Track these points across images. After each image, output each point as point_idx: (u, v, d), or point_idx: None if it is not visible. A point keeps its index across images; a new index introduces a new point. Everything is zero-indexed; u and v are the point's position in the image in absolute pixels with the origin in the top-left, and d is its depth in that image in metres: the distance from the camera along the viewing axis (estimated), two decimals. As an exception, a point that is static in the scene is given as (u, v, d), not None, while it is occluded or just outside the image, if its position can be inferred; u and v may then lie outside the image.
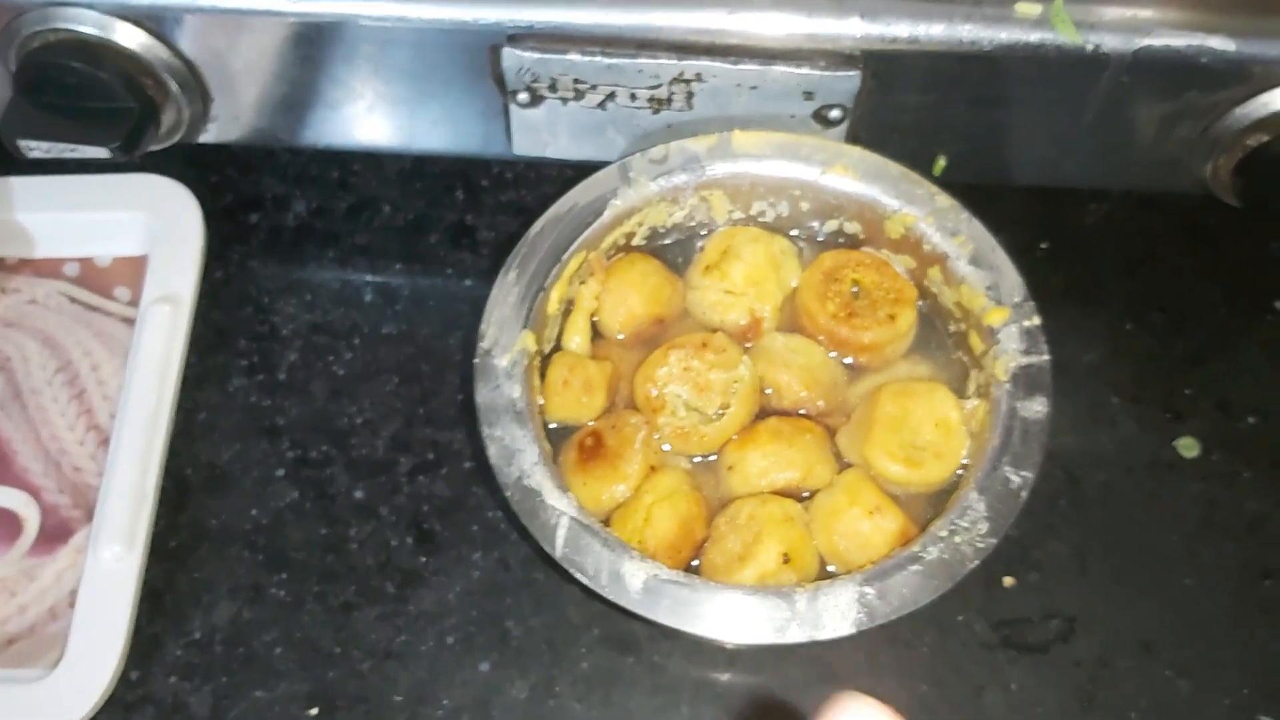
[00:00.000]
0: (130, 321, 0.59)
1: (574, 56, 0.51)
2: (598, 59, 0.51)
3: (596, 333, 0.53)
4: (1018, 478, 0.46)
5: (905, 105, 0.52)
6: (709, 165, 0.52)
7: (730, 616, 0.44)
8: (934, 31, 0.49)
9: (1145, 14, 0.48)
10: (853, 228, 0.53)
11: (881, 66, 0.50)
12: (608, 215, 0.52)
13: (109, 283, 0.60)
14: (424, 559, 0.54)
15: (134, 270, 0.60)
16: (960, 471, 0.49)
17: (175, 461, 0.56)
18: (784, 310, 0.53)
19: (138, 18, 0.51)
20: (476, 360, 0.48)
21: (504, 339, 0.49)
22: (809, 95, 0.51)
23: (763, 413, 0.51)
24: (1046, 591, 0.53)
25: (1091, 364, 0.57)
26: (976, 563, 0.44)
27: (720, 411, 0.50)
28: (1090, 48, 0.48)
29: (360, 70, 0.53)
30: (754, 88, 0.51)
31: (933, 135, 0.53)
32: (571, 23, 0.50)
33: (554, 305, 0.51)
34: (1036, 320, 0.48)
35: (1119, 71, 0.49)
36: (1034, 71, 0.50)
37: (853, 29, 0.49)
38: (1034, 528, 0.54)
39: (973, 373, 0.50)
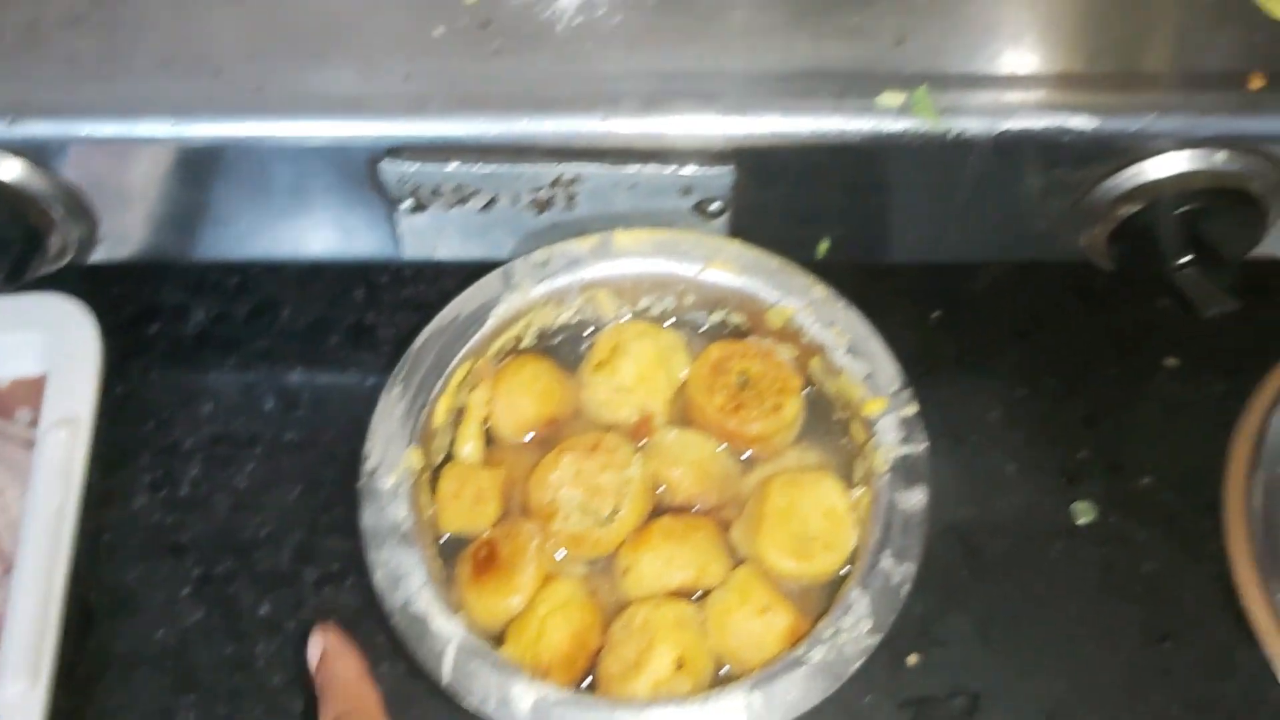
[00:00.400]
0: (31, 444, 0.58)
1: (453, 166, 0.51)
2: (477, 167, 0.51)
3: (491, 438, 0.53)
4: (899, 573, 0.47)
5: (783, 194, 0.53)
6: (592, 266, 0.53)
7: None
8: (800, 126, 0.50)
9: (1006, 98, 0.50)
10: (737, 318, 0.54)
11: (753, 161, 0.51)
12: (492, 322, 0.52)
13: (9, 405, 0.60)
14: (333, 670, 0.54)
15: (33, 391, 0.60)
16: (848, 567, 0.49)
17: (79, 586, 0.55)
18: (675, 404, 0.54)
19: (16, 148, 0.51)
20: (360, 483, 0.48)
21: (389, 458, 0.49)
22: (687, 191, 0.52)
23: (657, 510, 0.51)
24: (951, 667, 0.53)
25: (986, 431, 0.58)
26: (860, 662, 0.45)
27: (613, 514, 0.50)
28: (953, 134, 0.49)
29: (244, 188, 0.53)
30: (633, 187, 0.52)
31: (813, 220, 0.54)
32: (447, 134, 0.50)
33: (441, 417, 0.51)
34: (914, 409, 0.49)
35: (984, 154, 0.50)
36: (902, 158, 0.50)
37: (721, 128, 0.50)
38: (936, 602, 0.54)
39: (857, 460, 0.51)
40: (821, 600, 0.49)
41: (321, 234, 0.57)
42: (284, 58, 0.51)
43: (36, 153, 0.51)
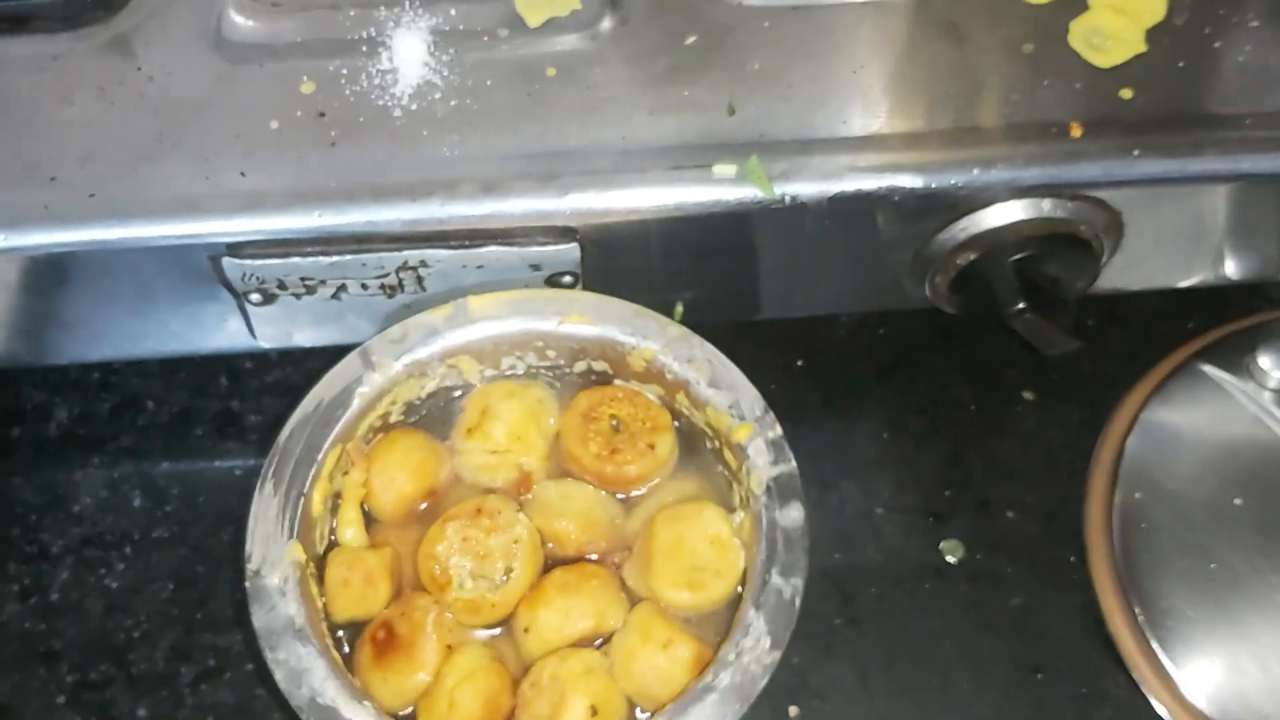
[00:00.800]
0: (-109, 560, 0.57)
1: (295, 259, 0.51)
2: (319, 259, 0.51)
3: (371, 519, 0.53)
4: (789, 587, 0.48)
5: (632, 263, 0.53)
6: (449, 335, 0.53)
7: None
8: (639, 199, 0.50)
9: (837, 160, 0.50)
10: (600, 365, 0.54)
11: (598, 235, 0.51)
12: (357, 404, 0.52)
13: None
14: (214, 772, 0.54)
15: (-108, 504, 0.59)
16: (739, 589, 0.50)
17: (-52, 704, 0.55)
18: (550, 458, 0.54)
19: None
20: (247, 583, 0.47)
21: (271, 555, 0.48)
22: (536, 267, 0.52)
23: (549, 565, 0.52)
24: (831, 716, 0.54)
25: (855, 476, 0.59)
26: (766, 679, 0.46)
27: (505, 576, 0.50)
28: (787, 199, 0.50)
29: (88, 292, 0.53)
30: (480, 267, 0.52)
31: (665, 285, 0.54)
32: (287, 228, 0.50)
33: (318, 506, 0.51)
34: (778, 430, 0.50)
35: (820, 216, 0.51)
36: (742, 224, 0.51)
37: (561, 205, 0.50)
38: (813, 651, 0.55)
39: (734, 485, 0.52)
40: (720, 625, 0.50)
41: (175, 330, 0.56)
42: (117, 160, 0.51)
43: None
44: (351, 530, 0.53)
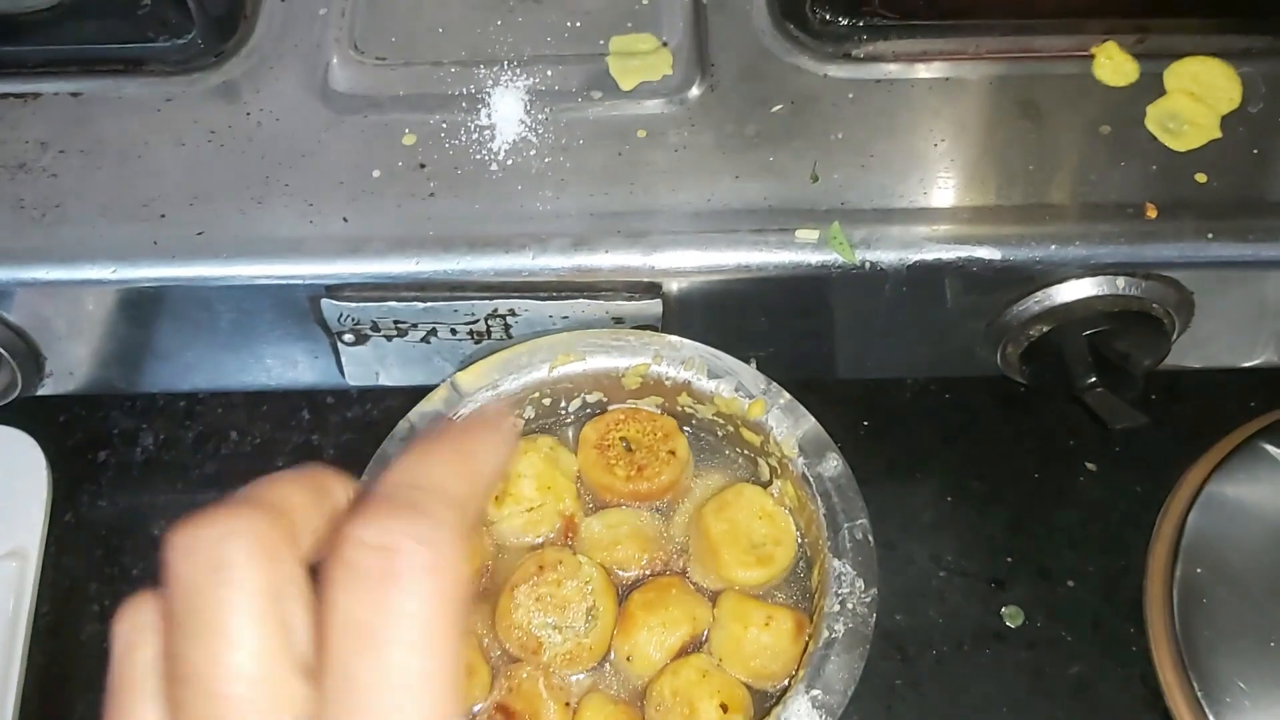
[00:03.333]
0: (-21, 575, 0.59)
1: (391, 303, 0.53)
2: (414, 304, 0.53)
3: None
4: (858, 529, 0.50)
5: (710, 321, 0.55)
6: (451, 415, 0.53)
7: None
8: (723, 259, 0.52)
9: (917, 230, 0.52)
10: (594, 396, 0.56)
11: (680, 292, 0.53)
12: None
13: (-43, 536, 0.61)
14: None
15: (-18, 521, 0.61)
16: (800, 543, 0.53)
17: (28, 719, 0.56)
18: (580, 498, 0.55)
19: (-37, 293, 0.53)
20: None
21: None
22: (619, 320, 0.54)
23: (621, 594, 0.53)
24: (888, 775, 0.55)
25: (917, 538, 0.60)
26: (874, 615, 0.49)
27: (590, 618, 0.52)
28: (868, 266, 0.52)
29: (187, 325, 0.55)
30: (565, 317, 0.54)
31: (741, 342, 0.56)
32: (385, 273, 0.52)
33: None
34: (787, 395, 0.53)
35: (898, 283, 0.52)
36: (821, 288, 0.53)
37: (648, 262, 0.52)
38: (873, 710, 0.56)
39: (760, 461, 0.54)
40: (793, 592, 0.53)
41: (266, 364, 0.58)
42: (225, 201, 0.53)
43: (-17, 296, 0.53)
44: None
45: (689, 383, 0.54)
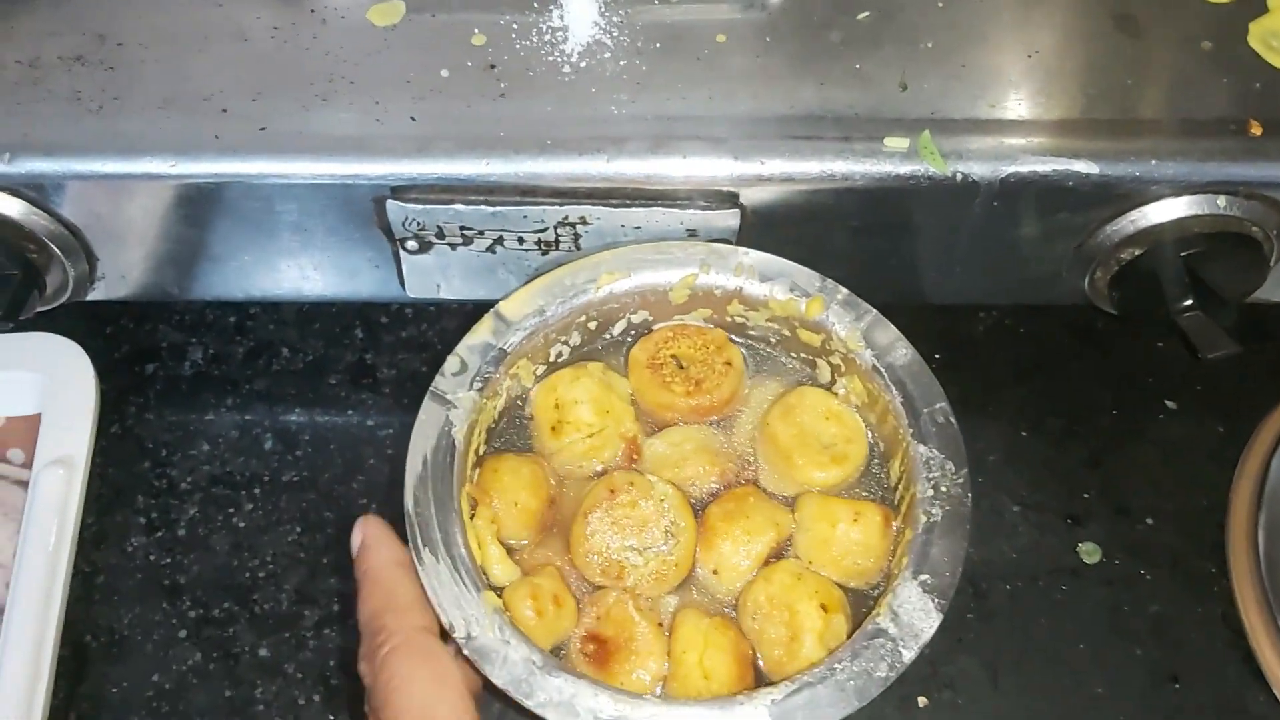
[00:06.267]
0: (25, 484, 0.57)
1: (458, 206, 0.51)
2: (482, 208, 0.51)
3: (508, 550, 0.50)
4: (939, 413, 0.49)
5: (786, 236, 0.53)
6: (505, 345, 0.51)
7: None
8: (807, 168, 0.50)
9: (1010, 142, 0.50)
10: (639, 316, 0.54)
11: (759, 203, 0.51)
12: (459, 445, 0.49)
13: (3, 444, 0.59)
14: (333, 716, 0.53)
15: (28, 430, 0.59)
16: (871, 438, 0.51)
17: (73, 629, 0.54)
18: (638, 419, 0.53)
19: (15, 186, 0.51)
20: (467, 652, 0.44)
21: (471, 614, 0.45)
22: (693, 233, 0.52)
23: (699, 509, 0.51)
24: (960, 709, 0.53)
25: (990, 474, 0.58)
26: (969, 495, 0.47)
27: (671, 535, 0.49)
28: (959, 177, 0.50)
29: (245, 226, 0.53)
30: (638, 228, 0.52)
31: (817, 260, 0.53)
32: (453, 174, 0.50)
33: (477, 553, 0.49)
34: (844, 291, 0.51)
35: (989, 197, 0.50)
36: (908, 201, 0.51)
37: (728, 169, 0.50)
38: (944, 643, 0.54)
39: (819, 362, 0.52)
40: (870, 485, 0.51)
41: (323, 275, 0.56)
42: (288, 97, 0.51)
43: (35, 190, 0.51)
44: (498, 567, 0.49)
45: (740, 289, 0.52)
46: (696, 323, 0.54)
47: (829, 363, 0.52)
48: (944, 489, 0.47)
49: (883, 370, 0.50)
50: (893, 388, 0.50)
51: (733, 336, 0.54)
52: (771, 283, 0.52)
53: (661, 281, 0.52)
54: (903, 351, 0.50)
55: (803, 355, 0.53)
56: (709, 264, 0.52)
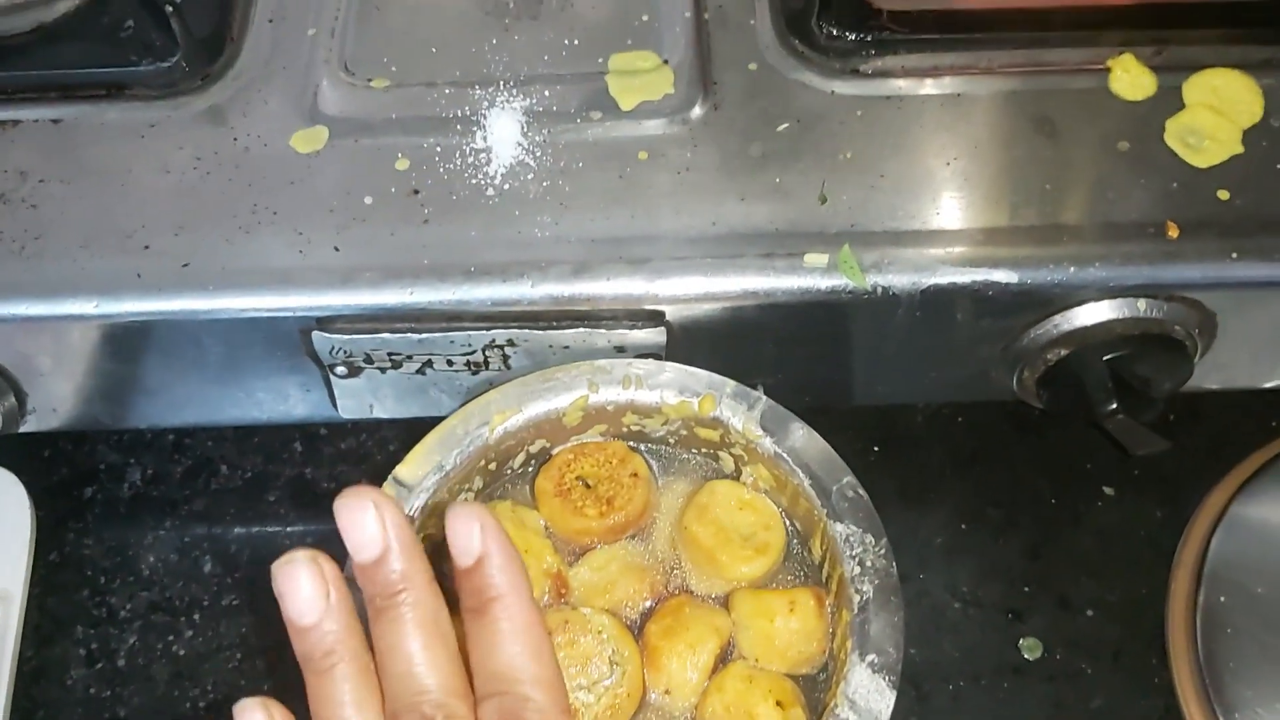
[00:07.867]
0: (-39, 619, 0.57)
1: (385, 335, 0.51)
2: (409, 335, 0.51)
3: None
4: (847, 487, 0.50)
5: (715, 349, 0.53)
6: (407, 513, 0.49)
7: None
8: (729, 286, 0.50)
9: (930, 252, 0.50)
10: (536, 446, 0.53)
11: (685, 319, 0.51)
12: None
13: (-62, 577, 0.59)
14: None
15: (-36, 562, 0.59)
16: (788, 525, 0.52)
17: (13, 769, 0.54)
18: (557, 552, 0.52)
19: (-61, 329, 0.51)
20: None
21: None
22: (620, 350, 0.52)
23: (637, 631, 0.51)
24: (906, 816, 0.53)
25: (930, 569, 0.58)
26: (894, 563, 0.48)
27: (615, 663, 0.49)
28: (879, 290, 0.50)
29: (173, 360, 0.53)
30: (566, 347, 0.52)
31: (748, 370, 0.54)
32: (378, 304, 0.50)
33: None
34: (733, 383, 0.51)
35: (911, 308, 0.51)
36: (831, 313, 0.51)
37: (651, 289, 0.50)
38: (889, 749, 0.54)
39: (721, 454, 0.53)
40: (797, 569, 0.52)
41: (256, 398, 0.56)
42: (211, 230, 0.51)
43: (-39, 331, 0.51)
44: None
45: (632, 400, 0.52)
46: (595, 439, 0.54)
47: (731, 454, 0.53)
48: (869, 563, 0.48)
49: (784, 455, 0.50)
50: (798, 471, 0.50)
51: (632, 445, 0.54)
52: (660, 389, 0.52)
53: (554, 408, 0.52)
54: (800, 433, 0.51)
55: (704, 450, 0.54)
56: (596, 382, 0.52)
